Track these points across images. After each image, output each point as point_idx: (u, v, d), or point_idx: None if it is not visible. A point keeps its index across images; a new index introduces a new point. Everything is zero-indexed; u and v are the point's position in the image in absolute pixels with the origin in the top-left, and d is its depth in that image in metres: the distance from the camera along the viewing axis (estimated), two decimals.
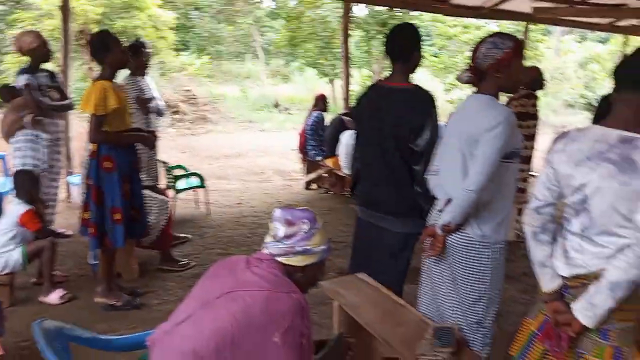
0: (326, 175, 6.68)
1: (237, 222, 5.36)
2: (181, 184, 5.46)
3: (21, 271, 3.50)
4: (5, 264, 3.36)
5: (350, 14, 7.18)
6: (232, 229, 5.11)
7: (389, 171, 2.67)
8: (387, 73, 2.71)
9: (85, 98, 3.15)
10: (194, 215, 5.53)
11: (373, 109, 2.70)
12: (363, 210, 2.88)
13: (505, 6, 7.15)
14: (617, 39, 15.62)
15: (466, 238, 2.19)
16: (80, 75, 11.08)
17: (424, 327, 2.05)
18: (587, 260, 1.65)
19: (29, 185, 3.53)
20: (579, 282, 1.67)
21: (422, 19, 14.31)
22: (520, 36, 7.44)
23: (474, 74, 2.19)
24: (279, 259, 1.64)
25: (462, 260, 2.21)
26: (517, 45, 2.12)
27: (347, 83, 7.31)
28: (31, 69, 4.13)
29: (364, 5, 12.36)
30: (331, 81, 14.23)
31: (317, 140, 6.66)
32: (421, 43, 2.64)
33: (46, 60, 4.22)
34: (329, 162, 6.36)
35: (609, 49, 18.04)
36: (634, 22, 7.57)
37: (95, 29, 9.71)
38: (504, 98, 3.57)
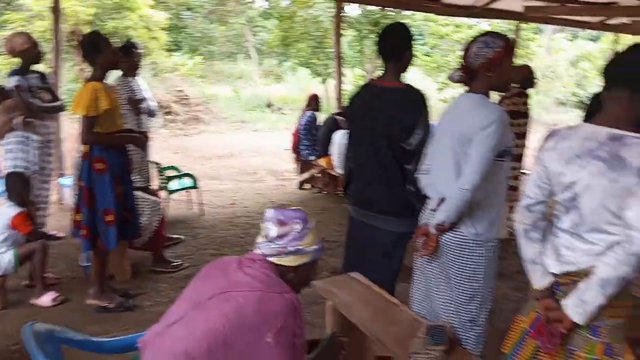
0: (319, 175, 6.68)
1: (230, 222, 5.35)
2: (174, 184, 5.45)
3: (13, 274, 3.48)
4: None
5: (342, 14, 7.17)
6: (225, 230, 5.10)
7: (381, 170, 2.68)
8: (379, 72, 2.71)
9: (76, 99, 3.14)
10: (186, 216, 5.51)
11: (366, 109, 2.70)
12: (356, 210, 2.88)
13: (496, 5, 7.17)
14: (607, 37, 15.73)
15: (460, 236, 2.20)
16: (72, 77, 11.01)
17: (416, 326, 2.05)
18: (577, 258, 1.66)
19: (20, 187, 3.51)
20: (570, 279, 1.68)
21: (414, 18, 14.32)
22: (511, 35, 7.48)
23: (466, 73, 2.20)
24: (271, 259, 1.63)
25: (455, 258, 2.22)
26: (508, 45, 2.13)
27: (340, 83, 7.31)
28: (22, 71, 4.10)
29: (356, 5, 12.36)
30: (324, 81, 14.23)
31: (311, 140, 6.66)
32: (413, 42, 2.65)
33: (37, 62, 4.19)
34: (322, 162, 6.36)
35: (600, 47, 18.16)
36: (624, 20, 7.61)
37: (86, 30, 9.65)
38: (495, 96, 3.58)
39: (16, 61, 4.24)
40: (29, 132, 3.96)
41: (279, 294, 1.54)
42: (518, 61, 6.84)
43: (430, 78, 15.29)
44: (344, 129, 5.68)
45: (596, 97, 2.90)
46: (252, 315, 1.48)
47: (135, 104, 4.35)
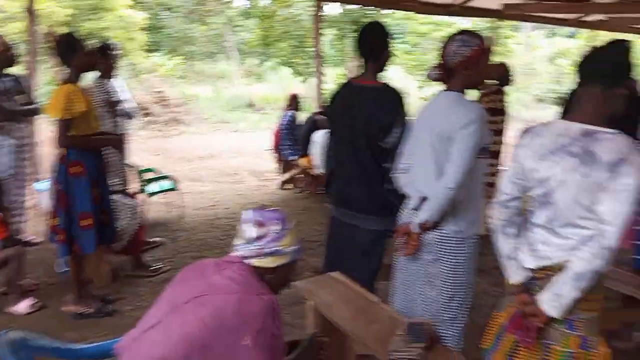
0: (301, 175, 6.67)
1: (211, 224, 5.31)
2: (153, 187, 5.38)
3: None
4: None
5: (320, 13, 7.16)
6: (206, 232, 5.06)
7: (361, 169, 2.68)
8: (361, 71, 2.72)
9: (51, 102, 3.08)
10: (166, 218, 5.45)
11: (346, 107, 2.70)
12: (336, 209, 2.88)
13: (474, 3, 7.23)
14: (585, 34, 15.97)
15: (442, 234, 2.21)
16: (48, 79, 10.83)
17: (397, 324, 2.05)
18: (552, 252, 1.68)
19: None
20: (545, 274, 1.70)
21: (394, 17, 14.40)
22: (490, 33, 7.55)
23: (443, 71, 2.22)
24: (250, 260, 1.62)
25: (438, 256, 2.23)
26: (484, 43, 2.15)
27: (320, 82, 7.30)
28: None
29: (337, 4, 12.38)
30: (305, 80, 14.22)
31: (292, 139, 6.65)
32: (390, 41, 2.65)
33: (11, 65, 4.12)
34: (302, 162, 6.35)
35: (578, 44, 18.43)
36: (600, 17, 7.72)
37: (62, 31, 9.50)
38: (474, 94, 3.61)
39: None
40: (3, 136, 3.89)
41: (258, 296, 1.53)
42: (497, 59, 6.89)
43: (412, 76, 15.37)
44: (323, 128, 5.68)
45: (574, 94, 2.94)
46: (231, 317, 1.47)
47: (112, 105, 4.29)
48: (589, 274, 1.56)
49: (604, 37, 9.73)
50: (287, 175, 6.87)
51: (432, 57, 14.19)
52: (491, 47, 2.30)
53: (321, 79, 7.30)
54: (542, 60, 19.51)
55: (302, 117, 6.80)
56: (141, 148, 9.01)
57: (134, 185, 5.06)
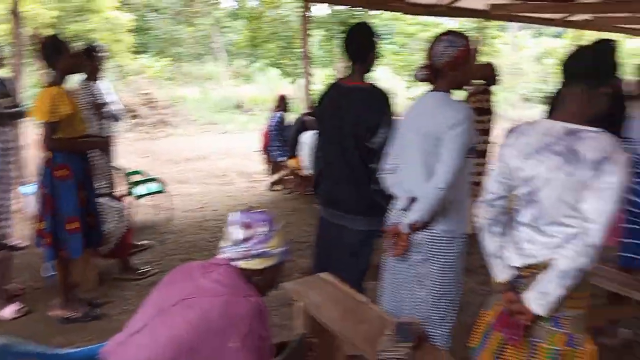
0: (290, 176, 6.66)
1: (200, 226, 5.28)
2: (140, 189, 5.34)
3: None
4: None
5: (308, 14, 7.16)
6: (194, 234, 5.04)
7: (349, 170, 2.68)
8: (349, 72, 2.72)
9: (36, 105, 3.05)
10: (154, 221, 5.41)
11: (334, 108, 2.70)
12: (324, 209, 2.88)
13: (461, 4, 7.26)
14: (571, 33, 16.12)
15: (432, 234, 2.22)
16: (33, 81, 10.73)
17: (385, 324, 2.06)
18: (537, 250, 1.69)
19: None
20: (531, 272, 1.71)
21: (382, 18, 14.45)
22: (477, 33, 7.59)
23: (430, 72, 2.23)
24: (237, 263, 1.61)
25: (428, 256, 2.23)
26: (470, 43, 2.17)
27: (308, 83, 7.30)
28: None
29: (325, 5, 12.39)
30: (294, 81, 14.21)
31: (281, 140, 6.64)
32: (377, 42, 2.66)
33: None
34: (291, 163, 6.35)
35: (564, 44, 18.61)
36: (586, 17, 7.80)
37: (47, 33, 9.42)
38: (462, 93, 3.62)
39: None
40: None
41: (245, 298, 1.53)
42: (484, 59, 6.93)
43: (399, 77, 15.43)
44: (312, 129, 5.67)
45: (560, 93, 2.96)
46: (218, 319, 1.47)
47: (98, 108, 4.26)
48: (574, 272, 1.58)
49: (589, 36, 9.83)
50: (275, 177, 6.86)
51: (419, 58, 14.26)
52: (477, 47, 2.32)
53: (309, 79, 7.29)
54: (528, 60, 19.68)
55: (291, 118, 6.79)
56: (128, 150, 8.95)
57: (121, 188, 5.02)
